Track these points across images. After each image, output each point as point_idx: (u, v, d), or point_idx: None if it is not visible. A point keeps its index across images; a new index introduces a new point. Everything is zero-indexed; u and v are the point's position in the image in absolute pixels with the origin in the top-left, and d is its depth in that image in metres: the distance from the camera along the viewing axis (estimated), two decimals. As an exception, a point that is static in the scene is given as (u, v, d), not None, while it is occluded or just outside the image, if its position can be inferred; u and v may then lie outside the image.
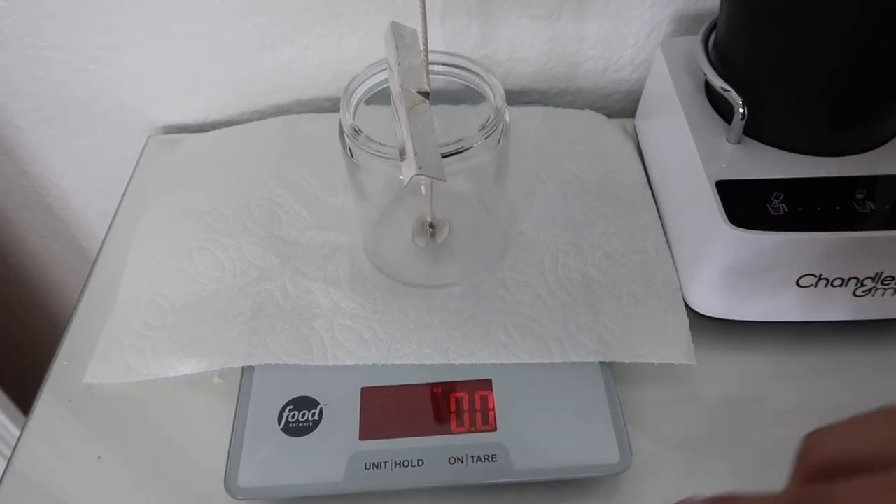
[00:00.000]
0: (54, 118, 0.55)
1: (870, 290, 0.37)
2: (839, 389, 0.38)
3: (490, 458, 0.34)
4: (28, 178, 0.60)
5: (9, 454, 0.37)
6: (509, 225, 0.43)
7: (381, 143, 0.34)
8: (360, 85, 0.36)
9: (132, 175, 0.51)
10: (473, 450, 0.34)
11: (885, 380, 0.39)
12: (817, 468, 0.18)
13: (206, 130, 0.53)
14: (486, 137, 0.34)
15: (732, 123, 0.39)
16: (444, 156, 0.32)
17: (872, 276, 0.36)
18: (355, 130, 0.34)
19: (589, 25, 0.51)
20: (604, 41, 0.52)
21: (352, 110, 0.35)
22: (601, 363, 0.37)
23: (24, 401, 0.67)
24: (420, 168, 0.29)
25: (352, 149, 0.35)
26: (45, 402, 0.39)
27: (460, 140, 0.33)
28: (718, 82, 0.39)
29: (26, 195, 0.62)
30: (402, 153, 0.31)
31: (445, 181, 0.30)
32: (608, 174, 0.46)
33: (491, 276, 0.41)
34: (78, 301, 0.44)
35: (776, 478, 0.35)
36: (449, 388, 0.36)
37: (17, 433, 0.63)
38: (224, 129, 0.52)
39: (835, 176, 0.37)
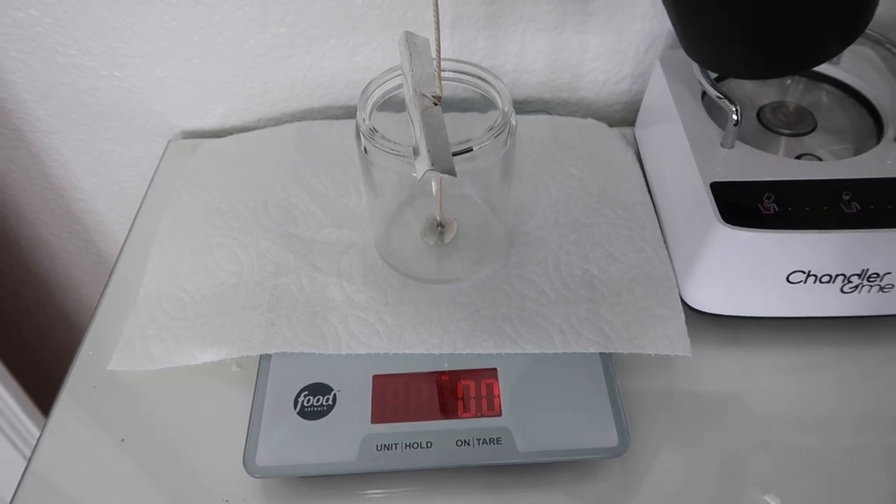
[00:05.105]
0: (79, 123, 0.57)
1: (856, 287, 0.39)
2: (827, 383, 0.40)
3: (495, 441, 0.36)
4: (50, 180, 0.63)
5: (29, 448, 0.39)
6: (514, 225, 0.46)
7: (395, 142, 0.36)
8: (376, 88, 0.38)
9: (153, 177, 0.54)
10: (479, 433, 0.36)
11: (872, 375, 0.40)
12: None
13: (223, 136, 0.55)
14: (495, 137, 0.36)
15: (726, 129, 0.41)
16: (455, 154, 0.35)
17: (859, 272, 0.38)
18: (372, 130, 0.36)
19: (591, 39, 0.53)
20: (605, 54, 0.54)
21: (368, 111, 0.38)
22: (601, 354, 0.39)
23: (36, 394, 0.69)
24: (433, 164, 0.32)
25: (367, 147, 0.37)
26: (71, 388, 0.41)
27: (469, 140, 0.36)
28: (713, 91, 0.42)
29: (48, 198, 0.64)
30: (416, 151, 0.34)
31: (456, 176, 0.32)
32: (609, 178, 0.49)
33: (496, 272, 0.43)
34: (102, 294, 0.46)
35: (766, 464, 0.37)
36: (456, 376, 0.38)
37: (30, 425, 0.65)
38: (242, 134, 0.54)
39: (823, 178, 0.39)
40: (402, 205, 0.46)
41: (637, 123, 0.54)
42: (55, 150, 0.60)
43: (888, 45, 0.44)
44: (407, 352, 0.39)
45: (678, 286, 0.42)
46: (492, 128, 0.36)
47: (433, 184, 0.42)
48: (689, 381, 0.40)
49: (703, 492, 0.36)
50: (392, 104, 0.40)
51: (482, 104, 0.40)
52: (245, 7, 0.50)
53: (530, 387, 0.38)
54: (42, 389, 0.69)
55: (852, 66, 0.47)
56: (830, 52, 0.37)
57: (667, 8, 0.39)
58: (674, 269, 0.43)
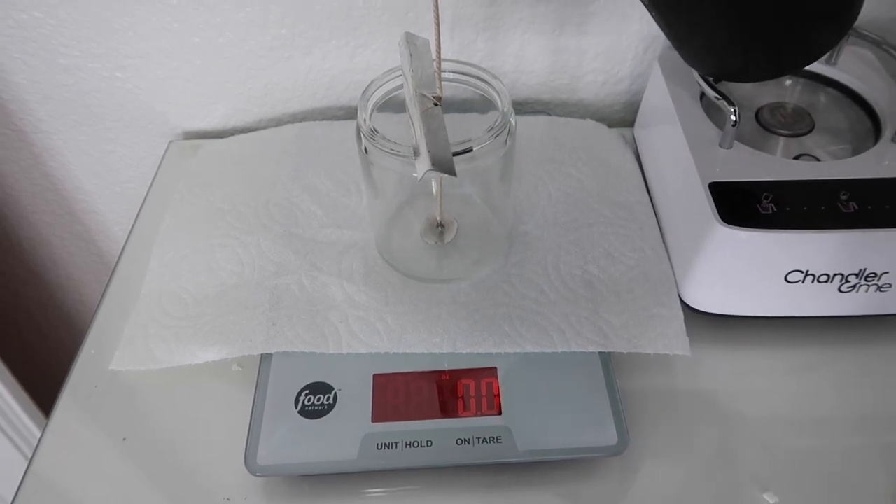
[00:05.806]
0: (81, 124, 0.57)
1: (854, 287, 0.39)
2: (825, 382, 0.40)
3: (495, 440, 0.36)
4: (52, 181, 0.63)
5: (30, 448, 0.39)
6: (514, 225, 0.46)
7: (395, 143, 0.36)
8: (377, 89, 0.39)
9: (154, 177, 0.54)
10: (479, 432, 0.36)
11: (870, 374, 0.41)
12: None
13: (224, 136, 0.56)
14: (494, 138, 0.36)
15: (725, 130, 0.41)
16: (455, 154, 0.35)
17: (856, 272, 0.38)
18: (373, 130, 0.37)
19: (590, 40, 0.54)
20: (604, 55, 0.54)
21: (369, 112, 0.38)
22: (600, 353, 0.39)
23: (36, 394, 0.69)
24: (433, 164, 0.32)
25: (368, 148, 0.37)
26: (72, 388, 0.41)
27: (469, 140, 0.36)
28: (712, 92, 0.42)
29: (50, 198, 0.64)
30: (416, 151, 0.34)
31: (456, 176, 0.32)
32: (608, 178, 0.49)
33: (496, 272, 0.43)
34: (103, 294, 0.46)
35: (764, 463, 0.37)
36: (456, 375, 0.38)
37: (31, 425, 0.65)
38: (244, 135, 0.54)
39: (820, 178, 0.40)
40: (402, 205, 0.46)
41: (636, 124, 0.54)
42: (57, 150, 0.60)
43: (886, 47, 0.44)
44: (407, 351, 0.39)
45: (677, 286, 0.42)
46: (491, 128, 0.37)
47: (433, 184, 0.43)
48: (688, 380, 0.40)
49: (702, 491, 0.36)
50: (392, 105, 0.40)
51: (482, 105, 0.40)
52: (245, 8, 0.50)
53: (530, 386, 0.38)
54: (42, 390, 0.69)
55: (850, 66, 0.47)
56: (825, 44, 0.37)
57: (658, 19, 0.39)
58: (672, 269, 0.43)
